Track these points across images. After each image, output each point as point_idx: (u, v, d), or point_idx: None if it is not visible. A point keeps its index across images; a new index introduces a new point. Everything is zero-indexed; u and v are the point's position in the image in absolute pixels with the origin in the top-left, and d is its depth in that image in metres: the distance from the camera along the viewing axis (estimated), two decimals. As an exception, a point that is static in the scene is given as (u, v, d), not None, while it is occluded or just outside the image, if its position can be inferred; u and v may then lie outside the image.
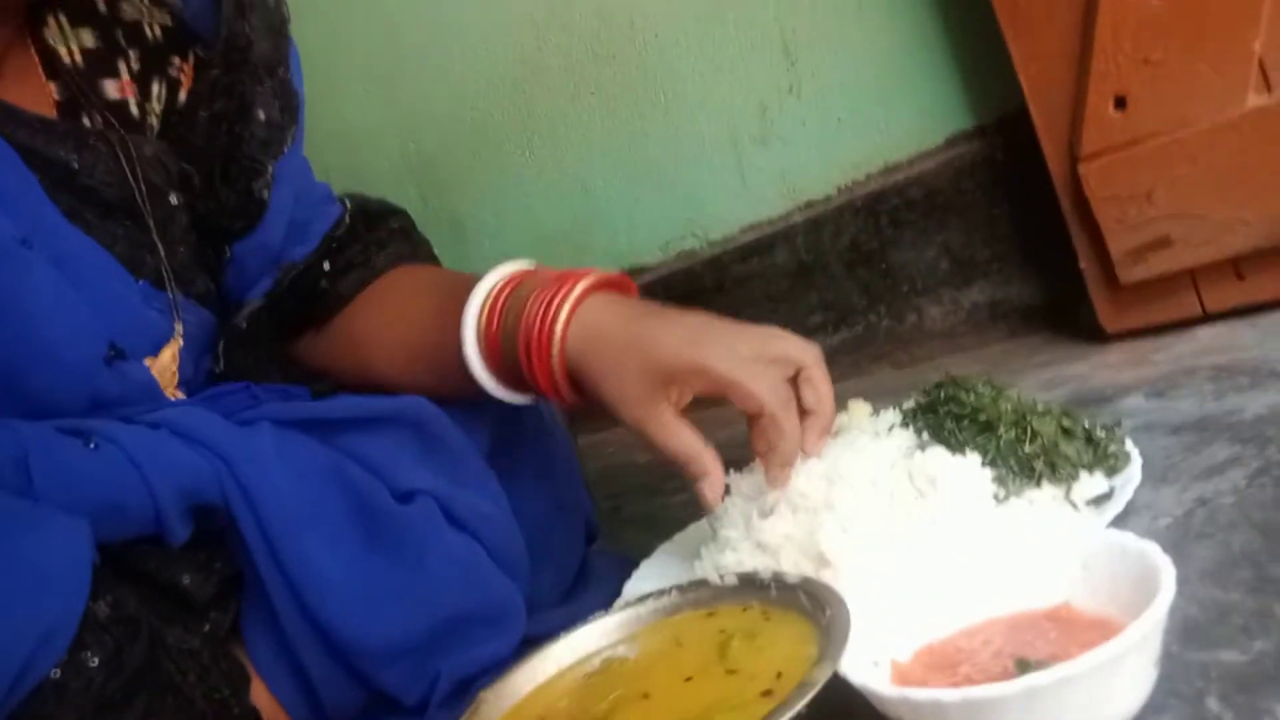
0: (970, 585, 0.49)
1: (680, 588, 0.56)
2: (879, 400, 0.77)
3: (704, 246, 1.32)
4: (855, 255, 1.21)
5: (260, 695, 0.59)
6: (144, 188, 0.70)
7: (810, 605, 0.49)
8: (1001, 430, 0.61)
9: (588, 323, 0.62)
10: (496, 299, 0.65)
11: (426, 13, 1.40)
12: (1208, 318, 0.91)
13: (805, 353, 0.62)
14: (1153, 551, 0.43)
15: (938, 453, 0.60)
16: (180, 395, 0.69)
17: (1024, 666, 0.42)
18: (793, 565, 0.59)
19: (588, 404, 0.64)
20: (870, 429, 0.68)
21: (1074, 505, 0.58)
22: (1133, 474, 0.60)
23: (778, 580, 0.52)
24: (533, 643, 0.68)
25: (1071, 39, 0.90)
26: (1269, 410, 0.68)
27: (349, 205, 0.78)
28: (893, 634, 0.48)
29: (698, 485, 0.60)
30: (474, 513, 0.67)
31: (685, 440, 0.60)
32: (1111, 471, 0.60)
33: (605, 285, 0.65)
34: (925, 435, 0.63)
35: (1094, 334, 0.99)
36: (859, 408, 0.77)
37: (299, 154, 0.76)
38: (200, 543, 0.60)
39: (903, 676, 0.46)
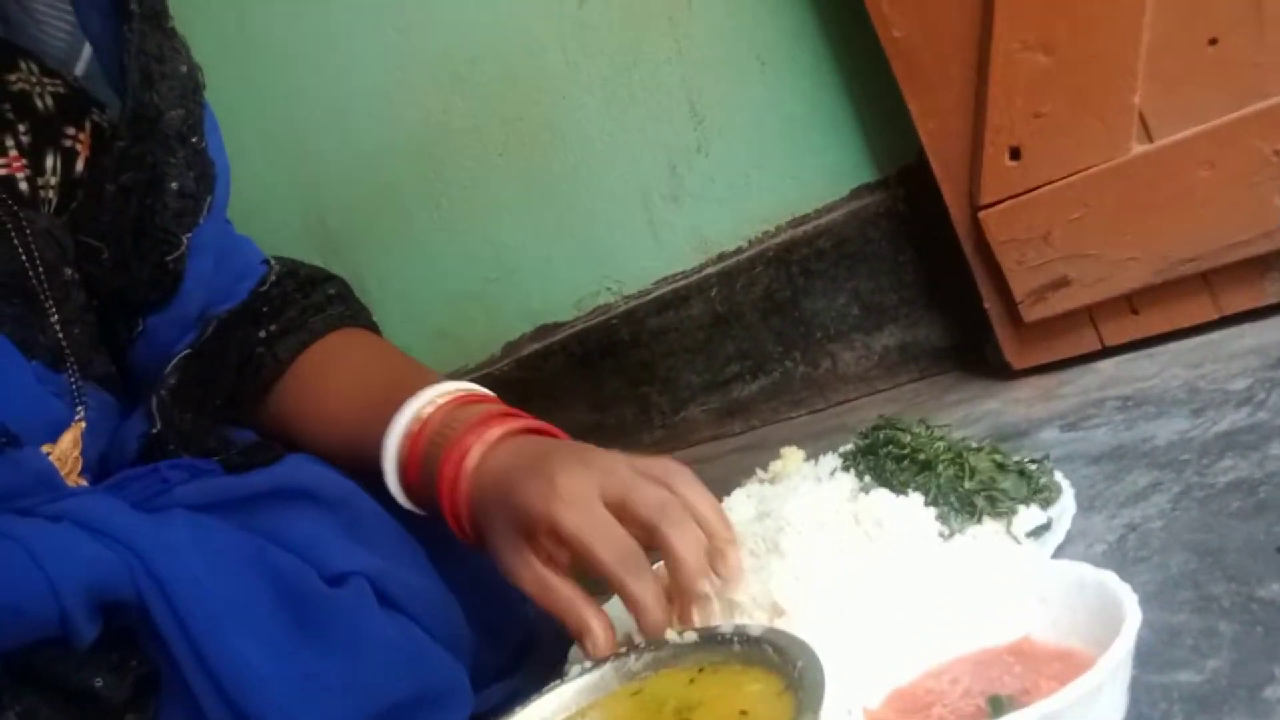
0: (931, 626, 0.50)
1: (637, 648, 0.55)
2: (803, 444, 0.78)
3: (618, 300, 1.33)
4: (769, 304, 1.23)
5: (186, 804, 0.54)
6: (38, 264, 0.66)
7: (778, 658, 0.48)
8: (940, 469, 0.62)
9: (487, 474, 0.60)
10: (424, 426, 0.63)
11: (328, 76, 1.39)
12: (1107, 351, 0.96)
13: (664, 513, 0.55)
14: (1111, 580, 0.44)
15: (881, 494, 0.61)
16: (83, 483, 0.64)
17: (997, 704, 0.43)
18: (748, 618, 0.58)
19: None
20: (811, 474, 0.69)
21: (1015, 538, 0.60)
22: (1066, 504, 0.62)
23: (740, 634, 0.51)
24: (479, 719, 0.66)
25: (966, 95, 0.95)
26: (1179, 436, 0.72)
27: (275, 265, 0.76)
28: (860, 680, 0.48)
29: (578, 641, 0.57)
30: (408, 590, 0.64)
31: (556, 596, 0.57)
32: (1046, 503, 0.62)
33: (527, 432, 0.62)
34: (867, 478, 0.64)
35: (1001, 371, 1.03)
36: (792, 454, 0.77)
37: (218, 221, 0.73)
38: (111, 641, 0.55)
39: (877, 723, 0.45)
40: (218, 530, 0.61)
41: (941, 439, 0.67)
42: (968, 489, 0.61)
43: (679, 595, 0.56)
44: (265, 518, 0.63)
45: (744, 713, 0.46)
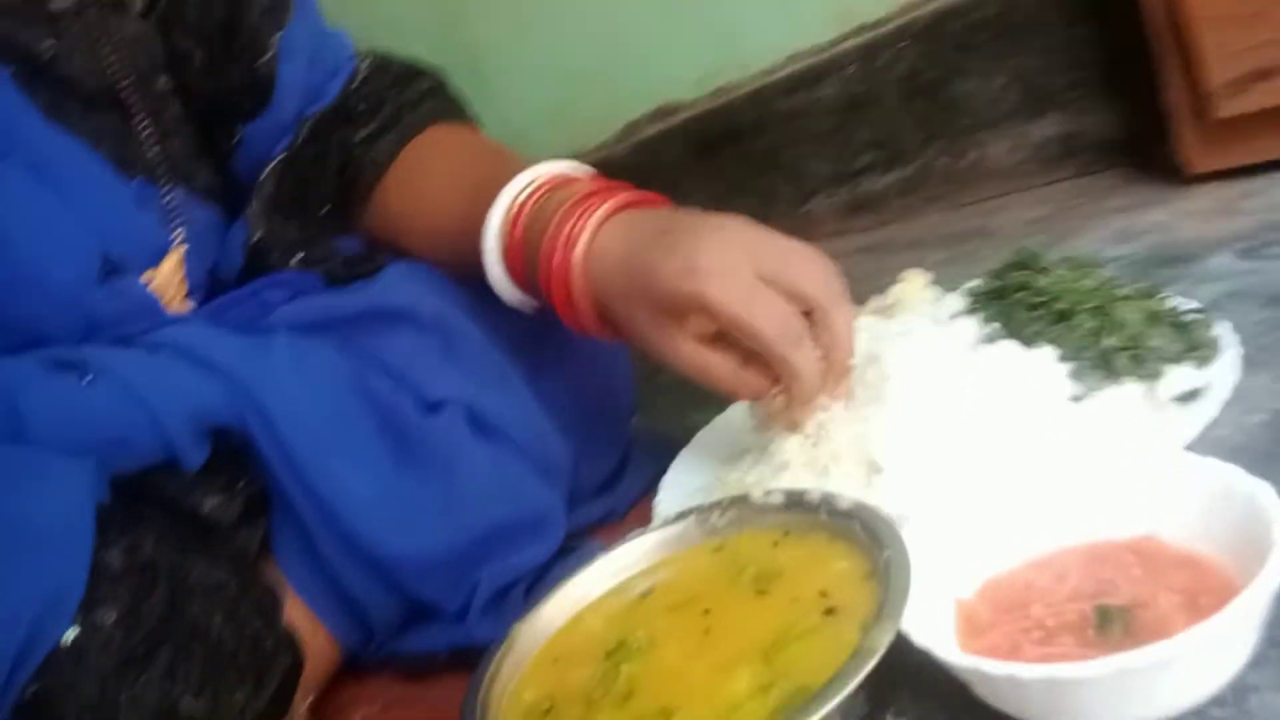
0: (1042, 507, 0.45)
1: (720, 505, 0.52)
2: (935, 247, 0.70)
3: (744, 80, 1.21)
4: (913, 85, 1.10)
5: (296, 612, 0.58)
6: (130, 73, 0.64)
7: (866, 538, 0.45)
8: (1079, 319, 0.54)
9: (603, 256, 0.57)
10: (519, 212, 0.60)
11: None
12: (1311, 159, 0.81)
13: (824, 288, 0.54)
14: (1265, 495, 0.37)
15: (1008, 347, 0.55)
16: (190, 305, 0.65)
17: (1105, 616, 0.39)
18: (840, 471, 0.55)
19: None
20: (930, 313, 0.62)
21: (1160, 404, 0.52)
22: (1228, 365, 0.53)
23: (828, 504, 0.48)
24: (571, 537, 0.67)
25: None
26: (1386, 278, 0.60)
27: (365, 61, 0.73)
28: (954, 565, 0.44)
29: (751, 408, 0.57)
30: (502, 415, 0.63)
31: (716, 372, 0.55)
32: (1202, 362, 0.54)
33: (631, 205, 0.58)
34: (995, 325, 0.57)
35: (1176, 175, 0.89)
36: (915, 278, 0.70)
37: (309, 20, 0.69)
38: (220, 464, 0.58)
39: (968, 618, 0.42)
40: (318, 354, 0.61)
41: (1089, 275, 0.58)
42: (1109, 345, 0.53)
43: (833, 372, 0.55)
44: (364, 339, 0.63)
45: (824, 594, 0.44)
